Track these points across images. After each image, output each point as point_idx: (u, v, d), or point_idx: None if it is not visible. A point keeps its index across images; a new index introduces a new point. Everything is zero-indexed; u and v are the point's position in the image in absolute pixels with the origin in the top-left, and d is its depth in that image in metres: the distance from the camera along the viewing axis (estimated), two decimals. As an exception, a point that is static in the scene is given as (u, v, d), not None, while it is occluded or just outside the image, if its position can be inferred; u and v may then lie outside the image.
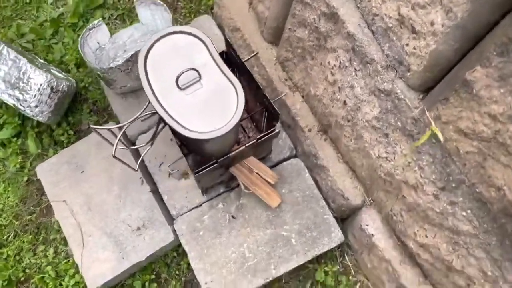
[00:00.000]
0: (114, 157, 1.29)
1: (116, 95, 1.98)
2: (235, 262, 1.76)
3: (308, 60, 1.61)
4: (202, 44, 1.29)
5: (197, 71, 1.22)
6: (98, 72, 1.76)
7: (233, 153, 1.46)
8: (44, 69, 1.90)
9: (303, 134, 1.82)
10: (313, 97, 1.71)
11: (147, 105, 1.26)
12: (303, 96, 1.80)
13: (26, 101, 1.86)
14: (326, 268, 1.83)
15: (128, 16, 2.25)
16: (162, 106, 1.21)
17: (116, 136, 1.33)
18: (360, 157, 1.58)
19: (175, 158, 1.86)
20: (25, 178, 2.05)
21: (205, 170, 1.46)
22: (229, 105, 1.22)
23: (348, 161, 1.71)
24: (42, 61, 2.06)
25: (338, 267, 1.84)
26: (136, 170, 1.48)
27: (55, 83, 1.90)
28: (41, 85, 1.85)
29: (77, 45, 2.18)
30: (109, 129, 1.32)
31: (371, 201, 1.71)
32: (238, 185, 1.83)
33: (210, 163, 1.46)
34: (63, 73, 2.05)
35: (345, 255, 1.87)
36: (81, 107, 2.12)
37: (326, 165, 1.76)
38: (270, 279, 1.73)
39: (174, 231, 1.81)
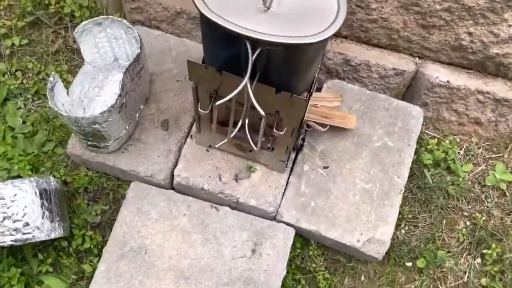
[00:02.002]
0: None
1: (114, 156, 1.59)
2: (364, 202, 1.56)
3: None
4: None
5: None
6: (94, 127, 1.37)
7: (316, 75, 1.26)
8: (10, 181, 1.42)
9: (320, 52, 1.69)
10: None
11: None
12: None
13: (28, 224, 1.37)
14: (427, 147, 1.74)
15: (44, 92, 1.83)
16: (253, 31, 0.95)
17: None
18: (399, 16, 1.51)
19: (228, 165, 1.57)
20: (78, 322, 1.52)
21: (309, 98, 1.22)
22: (328, 4, 1.02)
23: (380, 41, 1.64)
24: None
25: (431, 142, 1.76)
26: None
27: (43, 183, 1.44)
28: (32, 195, 1.38)
29: (19, 149, 1.70)
30: (228, 101, 1.00)
31: (421, 61, 1.68)
32: (304, 141, 1.62)
33: (306, 95, 1.24)
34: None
35: (424, 132, 1.81)
36: (75, 205, 1.65)
37: (363, 59, 1.67)
38: (402, 189, 1.58)
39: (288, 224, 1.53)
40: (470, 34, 1.49)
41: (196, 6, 0.99)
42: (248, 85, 0.98)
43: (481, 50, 1.53)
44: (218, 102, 1.01)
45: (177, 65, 1.75)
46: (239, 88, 0.97)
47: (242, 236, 1.51)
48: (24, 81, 1.85)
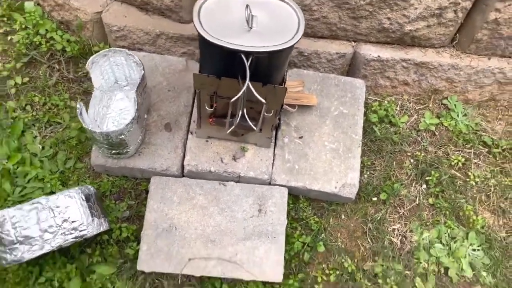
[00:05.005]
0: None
1: (133, 160, 1.95)
2: (334, 158, 2.02)
3: None
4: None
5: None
6: (120, 137, 1.73)
7: (286, 69, 1.69)
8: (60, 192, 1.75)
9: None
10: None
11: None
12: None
13: (82, 223, 1.71)
14: (371, 109, 2.24)
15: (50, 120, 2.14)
16: (245, 45, 1.37)
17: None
18: (335, 13, 1.97)
19: (226, 149, 1.98)
20: (131, 295, 1.88)
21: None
22: (291, 20, 1.45)
23: (323, 34, 2.10)
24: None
25: (374, 105, 2.26)
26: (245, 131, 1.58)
27: (86, 190, 1.78)
28: (80, 200, 1.72)
29: (47, 170, 2.01)
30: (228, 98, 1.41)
31: (356, 44, 2.16)
32: (280, 120, 2.06)
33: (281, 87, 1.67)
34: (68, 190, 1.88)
35: (368, 98, 2.31)
36: (105, 206, 1.99)
37: (313, 49, 2.12)
38: (360, 143, 2.06)
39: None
40: (389, 18, 1.99)
41: (201, 35, 1.39)
42: (250, 84, 1.40)
43: (399, 29, 2.03)
44: (233, 99, 1.42)
45: (165, 78, 2.12)
46: (244, 88, 1.39)
47: (248, 201, 1.93)
48: (34, 113, 2.15)
